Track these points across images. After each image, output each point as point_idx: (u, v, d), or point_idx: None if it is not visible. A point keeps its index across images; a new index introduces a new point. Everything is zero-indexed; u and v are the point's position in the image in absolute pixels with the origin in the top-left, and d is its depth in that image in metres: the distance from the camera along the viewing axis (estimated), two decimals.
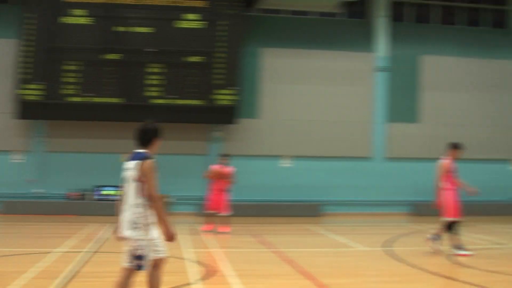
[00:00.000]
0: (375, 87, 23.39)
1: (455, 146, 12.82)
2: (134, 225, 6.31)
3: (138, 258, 6.32)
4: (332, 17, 24.02)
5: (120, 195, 6.60)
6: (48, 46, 20.32)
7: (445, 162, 12.69)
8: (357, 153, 23.12)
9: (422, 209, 22.13)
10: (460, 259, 11.93)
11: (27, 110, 20.40)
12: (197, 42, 21.08)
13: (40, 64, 20.25)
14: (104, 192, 20.98)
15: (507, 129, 23.96)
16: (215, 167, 16.47)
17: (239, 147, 21.69)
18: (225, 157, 16.59)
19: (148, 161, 6.34)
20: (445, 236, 12.71)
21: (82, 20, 20.57)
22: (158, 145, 6.63)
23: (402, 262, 11.55)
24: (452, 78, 23.86)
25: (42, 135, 21.34)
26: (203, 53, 21.14)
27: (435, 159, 13.43)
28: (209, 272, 10.09)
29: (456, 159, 12.77)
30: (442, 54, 23.85)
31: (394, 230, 17.63)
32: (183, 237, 13.78)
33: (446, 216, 12.51)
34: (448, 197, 12.50)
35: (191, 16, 21.10)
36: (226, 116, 21.33)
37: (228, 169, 16.37)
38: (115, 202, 6.76)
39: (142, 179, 6.31)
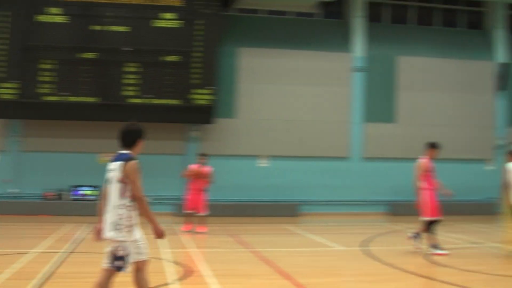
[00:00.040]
0: (352, 87, 23.45)
1: (432, 146, 12.89)
2: (117, 227, 6.28)
3: (119, 259, 6.28)
4: (309, 17, 24.06)
5: (102, 196, 6.57)
6: (23, 44, 20.09)
7: (423, 161, 12.75)
8: (334, 153, 23.16)
9: (399, 209, 22.32)
10: (437, 258, 12.00)
11: (2, 109, 20.18)
12: (174, 41, 20.98)
13: (15, 62, 20.00)
14: (82, 192, 20.84)
15: (482, 130, 24.17)
16: (194, 167, 16.42)
17: (216, 147, 21.62)
18: (203, 156, 16.53)
19: (132, 162, 6.35)
20: (423, 235, 12.78)
21: (58, 19, 20.37)
22: (142, 146, 6.62)
23: (379, 262, 11.58)
24: (429, 78, 24.00)
25: (18, 134, 21.10)
26: (180, 53, 21.04)
27: (411, 159, 13.51)
28: (187, 272, 10.05)
29: (434, 159, 12.84)
30: (418, 54, 23.99)
31: (371, 229, 17.68)
32: None
33: (424, 215, 12.57)
34: (427, 197, 12.56)
35: (168, 15, 20.99)
36: (203, 115, 21.26)
37: (206, 168, 16.33)
38: (97, 203, 6.71)
39: (125, 180, 6.30)
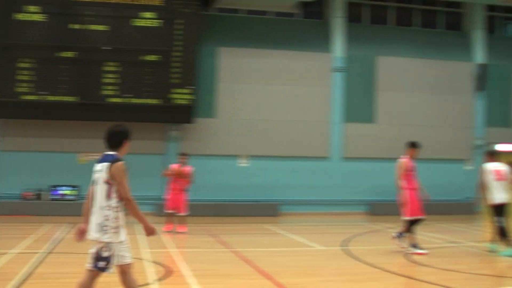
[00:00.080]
0: (332, 87, 23.49)
1: (412, 145, 12.95)
2: (104, 228, 6.28)
3: (103, 259, 6.26)
4: (289, 17, 24.09)
5: (88, 197, 6.57)
6: (1, 43, 19.93)
7: (404, 161, 12.80)
8: (314, 153, 23.20)
9: (378, 209, 22.47)
10: (416, 257, 12.07)
11: None
12: (154, 40, 20.90)
13: None
14: (61, 192, 20.70)
15: (461, 130, 24.34)
16: (175, 166, 16.36)
17: (196, 146, 21.57)
18: (184, 156, 16.47)
19: (119, 163, 6.35)
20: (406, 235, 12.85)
21: (37, 17, 20.21)
22: (128, 147, 6.64)
23: (359, 261, 11.61)
24: (408, 78, 24.12)
25: None
26: (159, 52, 20.96)
27: (391, 159, 13.60)
28: (167, 272, 10.01)
29: (414, 158, 12.90)
30: (398, 55, 24.12)
31: (351, 229, 17.72)
32: (140, 237, 13.65)
33: (406, 215, 12.62)
34: (408, 197, 12.59)
35: (147, 14, 20.90)
36: (183, 115, 21.20)
37: (187, 168, 16.28)
38: (83, 203, 6.70)
39: (111, 181, 6.30)
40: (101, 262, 6.27)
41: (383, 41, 24.34)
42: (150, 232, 6.51)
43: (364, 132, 23.51)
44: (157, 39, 20.92)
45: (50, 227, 16.28)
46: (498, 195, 12.62)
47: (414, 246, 12.58)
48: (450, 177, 23.66)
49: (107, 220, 6.28)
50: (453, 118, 24.32)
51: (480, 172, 13.21)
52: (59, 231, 15.33)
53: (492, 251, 12.78)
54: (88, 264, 6.36)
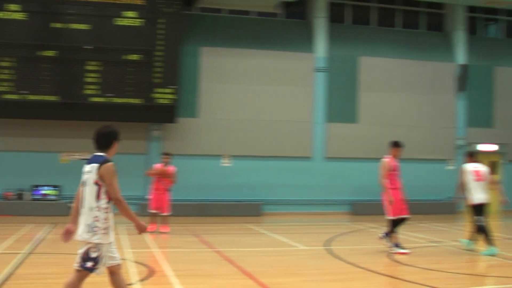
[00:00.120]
0: (314, 87, 23.50)
1: (395, 145, 12.98)
2: (93, 229, 6.26)
3: (91, 260, 6.25)
4: (272, 17, 24.09)
5: (76, 198, 6.57)
6: None
7: (387, 160, 12.84)
8: (297, 153, 23.20)
9: (361, 209, 22.55)
10: (398, 257, 12.12)
11: None
12: (136, 40, 20.81)
13: None
14: (43, 192, 20.55)
15: (443, 130, 24.45)
16: (158, 166, 16.31)
17: (178, 146, 21.51)
18: (167, 155, 16.42)
19: (108, 164, 6.34)
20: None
21: (17, 15, 20.04)
22: (117, 148, 6.66)
23: (342, 261, 11.64)
24: (390, 79, 24.20)
25: None
26: (142, 51, 20.86)
27: (373, 159, 13.65)
28: (150, 273, 9.97)
29: (397, 157, 12.95)
30: (380, 55, 24.18)
31: (334, 229, 17.76)
32: (122, 237, 13.59)
33: (390, 214, 12.65)
34: (391, 196, 12.61)
35: (129, 13, 20.80)
36: (166, 115, 21.12)
37: (171, 168, 16.23)
38: (72, 204, 6.69)
39: (100, 182, 6.30)
40: (88, 263, 6.25)
41: (366, 42, 24.40)
42: (141, 229, 6.55)
43: (346, 132, 23.54)
44: (139, 38, 20.83)
45: (32, 227, 16.17)
46: (477, 196, 12.74)
47: (396, 245, 12.63)
48: (432, 177, 23.78)
49: (97, 221, 6.27)
50: (435, 118, 24.43)
51: (459, 172, 13.33)
52: (41, 232, 15.23)
53: (467, 249, 12.99)
54: (75, 264, 6.33)
